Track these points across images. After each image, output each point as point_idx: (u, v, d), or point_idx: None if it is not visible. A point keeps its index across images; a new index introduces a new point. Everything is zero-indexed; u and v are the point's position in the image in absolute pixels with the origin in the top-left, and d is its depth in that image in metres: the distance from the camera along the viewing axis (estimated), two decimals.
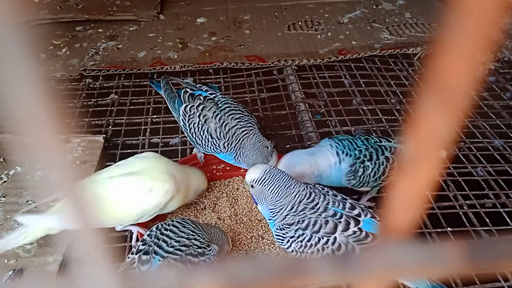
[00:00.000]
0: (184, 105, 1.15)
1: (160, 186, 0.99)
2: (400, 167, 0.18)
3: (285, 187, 0.94)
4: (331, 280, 0.16)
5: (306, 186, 0.95)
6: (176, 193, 1.01)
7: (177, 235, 0.87)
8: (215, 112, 1.12)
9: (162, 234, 0.87)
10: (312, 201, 0.92)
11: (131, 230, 1.07)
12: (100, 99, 1.56)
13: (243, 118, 1.13)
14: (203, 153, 1.22)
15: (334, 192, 0.95)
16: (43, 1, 2.00)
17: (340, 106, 1.51)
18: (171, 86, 1.21)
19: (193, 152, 1.28)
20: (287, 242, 0.91)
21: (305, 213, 0.91)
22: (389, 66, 1.72)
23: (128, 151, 1.32)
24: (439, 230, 1.10)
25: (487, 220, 1.12)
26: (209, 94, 1.17)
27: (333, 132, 1.41)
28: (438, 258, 0.16)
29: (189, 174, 1.08)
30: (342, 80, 1.65)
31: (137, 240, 1.05)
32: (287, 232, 0.91)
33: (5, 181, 1.21)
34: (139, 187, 0.98)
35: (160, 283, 0.17)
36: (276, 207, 0.94)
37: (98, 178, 1.00)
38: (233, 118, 1.12)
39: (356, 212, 0.89)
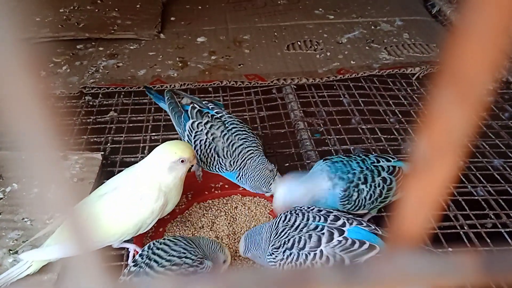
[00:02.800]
0: (191, 121, 1.15)
1: (149, 193, 0.97)
2: (411, 170, 0.17)
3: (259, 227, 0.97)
4: None
5: (285, 212, 0.96)
6: (168, 191, 1.00)
7: (168, 254, 0.85)
8: (223, 131, 1.13)
9: (153, 253, 0.86)
10: (289, 220, 0.92)
11: (127, 248, 1.06)
12: (99, 117, 1.56)
13: (248, 138, 1.14)
14: (202, 171, 1.21)
15: (320, 208, 0.94)
16: (45, 20, 2.02)
17: (339, 125, 1.51)
18: (176, 100, 1.21)
19: (191, 170, 1.27)
20: (279, 265, 0.90)
21: (287, 233, 0.90)
22: (388, 85, 1.73)
23: (126, 168, 1.32)
24: (440, 250, 1.08)
25: (488, 240, 1.11)
26: (216, 112, 1.17)
27: (332, 150, 1.41)
28: (451, 268, 0.15)
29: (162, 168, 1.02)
30: (341, 99, 1.65)
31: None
32: (276, 256, 0.90)
33: (1, 198, 1.19)
34: (128, 199, 0.97)
35: None
36: (262, 245, 0.95)
37: (87, 201, 1.00)
38: (240, 138, 1.13)
39: (340, 222, 0.88)
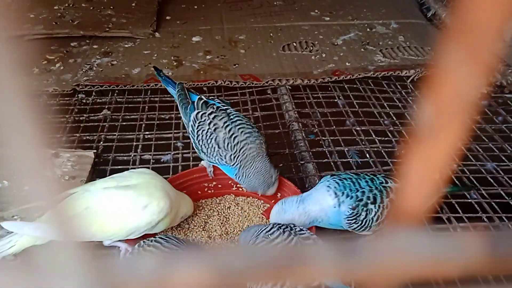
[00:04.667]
0: (196, 111, 1.13)
1: (155, 204, 0.96)
2: (415, 138, 0.15)
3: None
4: (333, 270, 0.14)
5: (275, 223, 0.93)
6: (169, 212, 0.99)
7: (160, 251, 0.85)
8: (226, 122, 1.10)
9: (144, 250, 0.85)
10: (272, 233, 0.88)
11: (119, 247, 1.05)
12: (92, 115, 1.55)
13: (252, 134, 1.11)
14: (213, 167, 1.21)
15: (310, 236, 0.89)
16: (39, 17, 2.01)
17: (334, 126, 1.51)
18: (185, 92, 1.19)
19: (200, 165, 1.25)
20: None
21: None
22: (383, 88, 1.73)
23: (119, 167, 1.30)
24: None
25: None
26: (222, 105, 1.15)
27: (326, 152, 1.40)
28: (455, 248, 0.15)
29: (180, 198, 1.07)
30: (335, 100, 1.65)
31: None
32: None
33: None
34: (134, 202, 0.96)
35: (140, 271, 0.15)
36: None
37: (91, 188, 0.98)
38: (243, 133, 1.10)
39: None
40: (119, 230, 0.96)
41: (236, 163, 1.10)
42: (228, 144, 1.09)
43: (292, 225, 0.91)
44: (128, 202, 0.96)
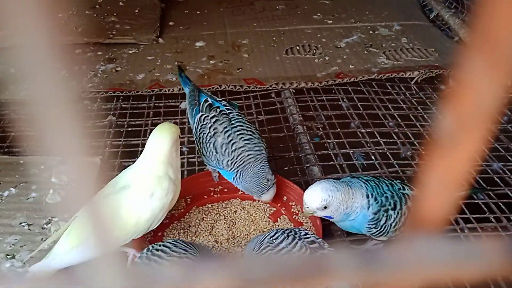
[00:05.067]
0: (200, 113, 1.14)
1: (159, 188, 0.96)
2: (435, 147, 0.15)
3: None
4: (355, 278, 0.15)
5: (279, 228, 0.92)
6: (175, 186, 0.99)
7: (168, 255, 0.85)
8: (225, 127, 1.11)
9: (153, 255, 0.85)
10: (276, 239, 0.86)
11: (127, 252, 1.05)
12: (98, 121, 1.55)
13: (252, 140, 1.11)
14: (218, 172, 1.21)
15: (315, 239, 0.86)
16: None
17: (338, 129, 1.51)
18: (196, 94, 1.19)
19: (206, 169, 1.25)
20: None
21: (268, 252, 0.84)
22: (387, 89, 1.73)
23: None
24: None
25: None
26: (226, 109, 1.15)
27: (331, 154, 1.40)
28: (475, 255, 0.15)
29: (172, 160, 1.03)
30: (340, 103, 1.65)
31: None
32: None
33: None
34: (139, 196, 0.96)
35: (166, 281, 0.15)
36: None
37: (94, 202, 0.98)
38: (242, 139, 1.10)
39: None
40: (138, 226, 0.96)
41: (233, 168, 1.10)
42: (225, 149, 1.09)
43: (296, 229, 0.90)
44: (134, 198, 0.96)
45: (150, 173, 0.98)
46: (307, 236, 0.87)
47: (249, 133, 1.12)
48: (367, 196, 0.96)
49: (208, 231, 1.14)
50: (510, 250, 0.15)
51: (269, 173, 1.11)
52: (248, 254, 0.94)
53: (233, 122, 1.12)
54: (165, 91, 1.69)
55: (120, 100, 1.66)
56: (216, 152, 1.10)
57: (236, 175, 1.11)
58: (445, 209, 0.16)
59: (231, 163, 1.10)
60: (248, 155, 1.09)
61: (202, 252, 0.92)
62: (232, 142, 1.09)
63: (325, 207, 0.95)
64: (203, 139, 1.13)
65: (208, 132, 1.11)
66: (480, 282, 0.81)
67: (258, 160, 1.10)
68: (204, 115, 1.13)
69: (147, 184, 0.97)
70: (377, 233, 0.98)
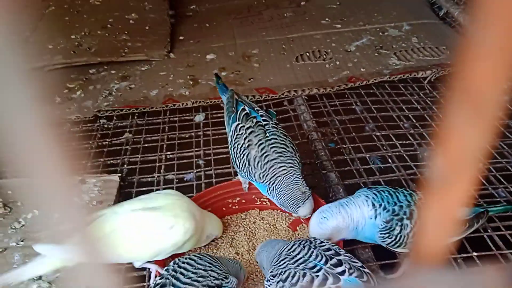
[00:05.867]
0: (236, 122, 1.13)
1: (181, 224, 0.98)
2: (429, 189, 0.16)
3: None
4: None
5: (296, 240, 0.93)
6: (195, 232, 1.01)
7: (194, 267, 0.86)
8: (260, 140, 1.09)
9: (179, 267, 0.87)
10: (293, 251, 0.88)
11: (149, 269, 1.06)
12: (115, 139, 1.58)
13: (285, 154, 1.09)
14: (248, 183, 1.21)
15: (332, 246, 0.89)
16: (57, 47, 2.07)
17: (353, 133, 1.51)
18: (234, 100, 1.19)
19: (237, 178, 1.26)
20: None
21: (285, 263, 0.87)
22: (400, 91, 1.72)
23: (144, 188, 1.33)
24: (464, 255, 1.06)
25: None
26: (263, 120, 1.14)
27: (347, 159, 1.40)
28: (476, 285, 0.15)
29: (206, 217, 1.08)
30: (353, 107, 1.65)
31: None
32: (271, 284, 0.87)
33: (23, 225, 1.21)
34: (160, 223, 0.97)
35: None
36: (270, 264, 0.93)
37: (119, 210, 1.00)
38: (275, 152, 1.08)
39: (339, 269, 0.82)
40: (144, 251, 0.98)
41: (266, 181, 1.09)
42: (258, 162, 1.08)
43: (312, 239, 0.92)
44: (154, 223, 0.98)
45: (182, 207, 1.01)
46: (322, 244, 0.89)
47: (283, 146, 1.10)
48: (373, 206, 0.96)
49: (228, 243, 1.14)
50: (509, 278, 0.15)
51: (303, 185, 1.08)
52: (265, 264, 0.95)
53: (268, 134, 1.11)
54: (179, 105, 1.71)
55: (135, 117, 1.69)
56: (249, 164, 1.09)
57: (269, 187, 1.09)
58: (442, 245, 0.17)
59: (263, 176, 1.09)
60: (281, 167, 1.08)
61: (227, 265, 0.93)
62: (265, 154, 1.08)
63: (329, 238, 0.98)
64: (237, 149, 1.12)
65: (243, 144, 1.11)
66: None
67: (291, 173, 1.08)
68: (240, 125, 1.12)
69: (173, 215, 0.98)
70: (392, 243, 0.97)
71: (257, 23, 2.31)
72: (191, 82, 1.87)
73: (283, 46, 2.09)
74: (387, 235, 0.95)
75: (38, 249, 0.93)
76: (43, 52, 2.03)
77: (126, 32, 2.18)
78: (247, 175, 1.12)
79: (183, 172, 1.41)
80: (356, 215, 0.97)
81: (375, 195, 0.98)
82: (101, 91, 1.83)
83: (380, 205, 0.96)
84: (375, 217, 0.96)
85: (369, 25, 2.18)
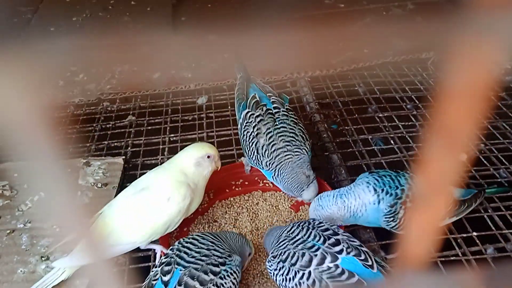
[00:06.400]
0: (246, 110, 1.14)
1: (176, 193, 1.00)
2: (413, 204, 0.19)
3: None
4: None
5: (295, 222, 0.95)
6: (193, 194, 1.03)
7: (197, 247, 0.89)
8: (269, 129, 1.10)
9: (183, 246, 0.89)
10: (292, 232, 0.91)
11: (154, 249, 1.08)
12: (118, 121, 1.59)
13: (293, 142, 1.09)
14: (251, 166, 1.22)
15: (331, 227, 0.91)
16: (59, 29, 2.06)
17: (356, 115, 1.51)
18: (244, 87, 1.19)
19: (240, 160, 1.28)
20: (273, 275, 0.89)
21: (285, 244, 0.89)
22: (403, 72, 1.72)
23: (148, 171, 1.34)
24: (464, 235, 1.08)
25: None
26: (273, 107, 1.14)
27: (350, 141, 1.41)
28: (456, 286, 0.17)
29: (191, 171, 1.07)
30: (356, 88, 1.65)
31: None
32: (272, 265, 0.89)
33: (29, 207, 1.23)
34: (157, 199, 1.00)
35: None
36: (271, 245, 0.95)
37: (114, 203, 1.03)
38: (283, 141, 1.09)
39: (337, 248, 0.84)
40: (155, 229, 1.00)
41: (272, 169, 1.10)
42: (266, 151, 1.10)
43: (311, 220, 0.94)
44: (152, 201, 1.00)
45: (170, 178, 1.02)
46: (321, 225, 0.91)
47: (292, 135, 1.10)
48: (375, 192, 0.98)
49: (232, 224, 1.16)
50: (486, 281, 0.17)
51: (308, 169, 1.09)
52: (268, 248, 0.97)
53: (277, 123, 1.12)
54: (182, 88, 1.72)
55: (138, 100, 1.70)
56: (257, 153, 1.11)
57: (274, 174, 1.11)
58: (424, 250, 0.19)
59: (270, 164, 1.10)
60: (287, 155, 1.08)
61: (231, 242, 0.95)
62: (272, 143, 1.09)
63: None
64: (246, 137, 1.13)
65: (252, 132, 1.12)
66: None
67: (297, 157, 1.09)
68: (250, 113, 1.13)
69: (165, 188, 1.00)
70: (396, 226, 0.98)
71: (260, 3, 2.29)
72: (193, 65, 1.87)
73: (287, 26, 2.07)
74: (391, 218, 0.97)
75: (57, 265, 0.97)
76: (45, 35, 2.03)
77: (127, 14, 2.18)
78: (256, 163, 1.14)
79: None
80: (354, 204, 0.99)
81: (377, 180, 0.99)
82: (104, 74, 1.84)
83: (382, 190, 0.97)
84: (378, 202, 0.97)
85: (373, 5, 2.16)
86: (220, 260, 0.87)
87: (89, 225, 0.23)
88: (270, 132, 1.10)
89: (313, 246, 0.85)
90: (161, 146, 1.47)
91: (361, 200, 0.99)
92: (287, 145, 1.09)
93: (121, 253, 1.01)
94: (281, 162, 1.09)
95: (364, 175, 1.03)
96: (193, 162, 1.04)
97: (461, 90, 0.17)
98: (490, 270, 0.18)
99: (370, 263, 0.82)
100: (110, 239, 0.97)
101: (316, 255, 0.83)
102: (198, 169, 1.04)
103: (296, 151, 1.09)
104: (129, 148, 1.46)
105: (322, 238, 0.87)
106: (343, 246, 0.85)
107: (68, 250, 1.04)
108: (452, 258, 1.03)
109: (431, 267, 0.21)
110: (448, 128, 0.18)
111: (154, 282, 0.83)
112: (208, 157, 1.05)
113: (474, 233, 1.08)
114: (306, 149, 1.11)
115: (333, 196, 1.01)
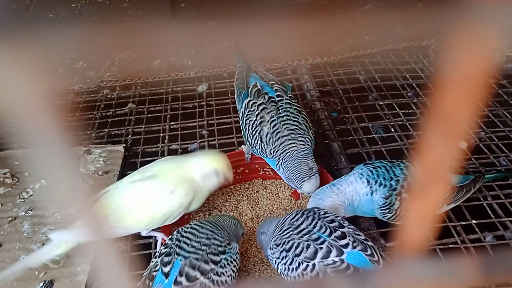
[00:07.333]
0: (248, 99, 1.13)
1: (181, 187, 1.00)
2: (410, 193, 0.19)
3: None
4: None
5: (298, 210, 0.93)
6: (196, 194, 1.03)
7: (196, 236, 0.89)
8: (272, 117, 1.10)
9: (182, 236, 0.90)
10: (296, 220, 0.88)
11: (155, 237, 1.09)
12: (118, 109, 1.59)
13: (297, 130, 1.09)
14: (251, 154, 1.22)
15: (336, 218, 0.89)
16: (58, 16, 2.05)
17: (356, 103, 1.51)
18: (244, 76, 1.18)
19: (240, 148, 1.28)
20: (275, 263, 0.88)
21: (289, 233, 0.87)
22: (404, 59, 1.71)
23: (148, 159, 1.34)
24: (463, 223, 1.08)
25: None
26: (276, 95, 1.13)
27: (350, 129, 1.41)
28: (453, 272, 0.17)
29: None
30: (357, 76, 1.64)
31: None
32: (274, 253, 0.88)
33: (31, 195, 1.24)
34: (160, 189, 1.00)
35: None
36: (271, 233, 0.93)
37: (120, 185, 1.03)
38: (287, 129, 1.09)
39: (343, 242, 0.82)
40: (153, 218, 1.01)
41: (275, 157, 1.10)
42: (270, 139, 1.09)
43: (316, 209, 0.92)
44: (155, 190, 1.00)
45: (177, 172, 1.01)
46: (326, 215, 0.89)
47: (295, 123, 1.10)
48: (368, 183, 0.97)
49: (232, 212, 1.17)
50: (483, 266, 0.17)
51: (312, 161, 1.08)
52: (266, 236, 0.96)
53: (280, 111, 1.11)
54: (182, 75, 1.71)
55: (138, 87, 1.69)
56: (261, 141, 1.10)
57: (278, 162, 1.10)
58: (422, 238, 0.19)
59: (274, 151, 1.09)
60: (291, 143, 1.08)
61: (226, 226, 0.95)
62: (276, 131, 1.09)
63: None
64: (248, 126, 1.12)
65: (255, 120, 1.11)
66: None
67: (302, 148, 1.08)
68: (252, 101, 1.12)
69: (171, 181, 1.00)
70: (392, 217, 0.98)
71: None
72: (193, 52, 1.86)
73: (287, 13, 2.06)
74: (387, 210, 0.97)
75: (54, 237, 0.97)
76: (44, 21, 2.01)
77: (126, 0, 2.15)
78: (259, 151, 1.13)
79: (187, 142, 1.42)
80: (348, 190, 0.99)
81: (371, 171, 0.99)
82: (104, 61, 1.83)
83: (376, 181, 0.97)
84: (371, 193, 0.97)
85: None
86: (220, 248, 0.87)
87: (91, 202, 0.23)
88: (274, 120, 1.09)
89: (319, 238, 0.83)
90: (161, 134, 1.46)
91: (353, 187, 0.99)
92: (291, 133, 1.09)
93: (118, 236, 1.02)
94: (285, 150, 1.08)
95: (359, 167, 1.03)
96: (199, 175, 1.02)
97: (461, 77, 0.17)
98: (489, 257, 0.18)
99: (376, 258, 0.81)
100: (108, 220, 0.97)
101: (321, 248, 0.81)
102: (204, 181, 1.03)
103: (300, 140, 1.09)
104: (129, 136, 1.46)
105: (328, 230, 0.84)
106: (349, 240, 0.82)
107: (67, 225, 1.04)
108: (451, 245, 1.04)
109: (430, 254, 0.21)
110: (447, 115, 0.18)
111: (154, 273, 0.84)
112: (216, 171, 1.03)
113: (473, 221, 1.09)
114: (310, 138, 1.10)
115: (328, 187, 1.02)
